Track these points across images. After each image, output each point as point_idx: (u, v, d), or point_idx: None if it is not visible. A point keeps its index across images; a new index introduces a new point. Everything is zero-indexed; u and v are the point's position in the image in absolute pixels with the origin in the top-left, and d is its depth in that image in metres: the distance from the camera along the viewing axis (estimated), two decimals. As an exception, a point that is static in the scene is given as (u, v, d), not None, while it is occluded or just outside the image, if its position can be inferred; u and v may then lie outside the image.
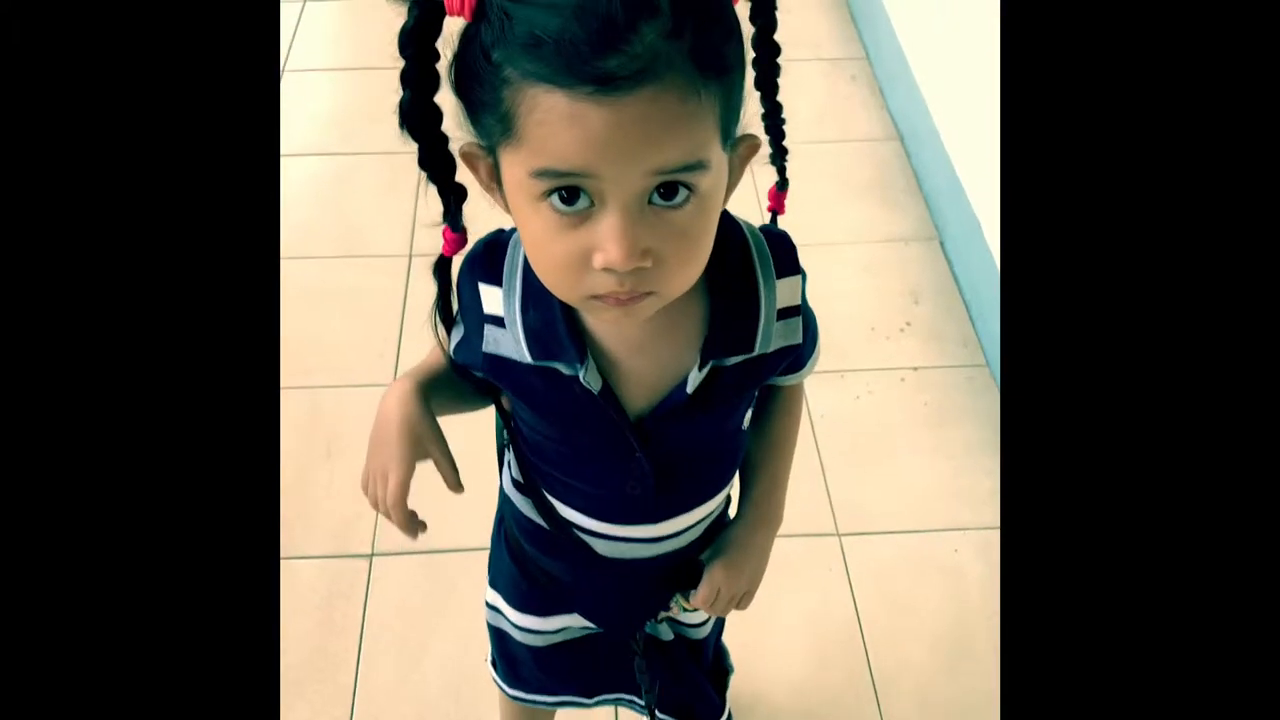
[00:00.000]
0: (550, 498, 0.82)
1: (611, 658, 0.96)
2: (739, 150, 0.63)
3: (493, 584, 0.97)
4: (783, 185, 0.78)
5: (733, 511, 0.89)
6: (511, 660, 1.00)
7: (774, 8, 0.66)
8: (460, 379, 0.78)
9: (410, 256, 1.92)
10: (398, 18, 0.58)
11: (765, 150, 0.74)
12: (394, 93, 0.61)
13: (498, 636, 0.99)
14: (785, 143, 0.75)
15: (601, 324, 0.69)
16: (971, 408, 1.69)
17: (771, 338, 0.72)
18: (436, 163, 0.64)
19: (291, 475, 1.59)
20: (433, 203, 0.68)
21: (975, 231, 1.82)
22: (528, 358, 0.70)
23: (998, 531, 1.37)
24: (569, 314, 0.68)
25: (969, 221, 1.84)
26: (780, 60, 0.69)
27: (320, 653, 1.38)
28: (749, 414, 0.81)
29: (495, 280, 0.71)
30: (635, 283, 0.59)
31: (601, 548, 0.82)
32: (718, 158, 0.59)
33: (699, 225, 0.60)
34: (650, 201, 0.57)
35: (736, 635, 1.38)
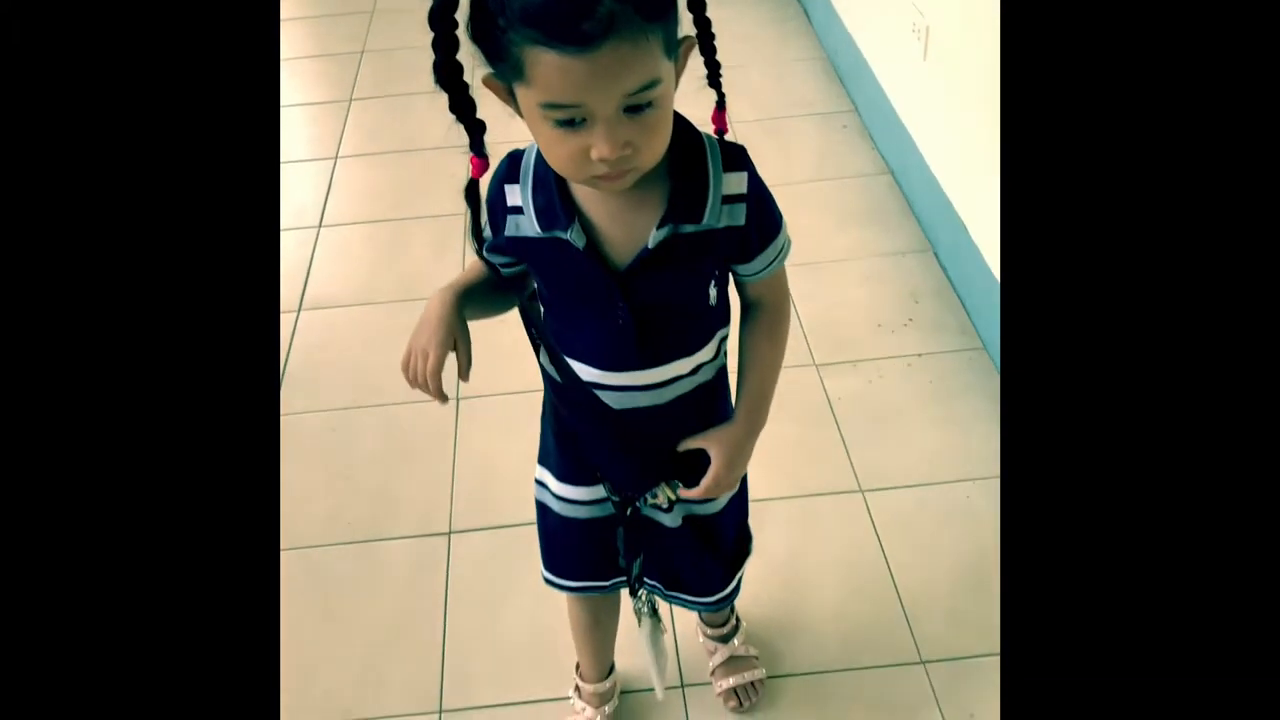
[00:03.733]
0: (566, 358, 1.03)
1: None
2: (681, 51, 0.87)
3: (541, 461, 1.18)
4: (721, 104, 1.00)
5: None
6: (549, 539, 1.21)
7: None
8: (488, 276, 1.02)
9: (463, 298, 2.17)
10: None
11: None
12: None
13: (541, 512, 1.20)
14: (718, 59, 0.96)
15: (588, 199, 0.94)
16: (972, 384, 1.89)
17: (719, 216, 0.94)
18: (462, 106, 0.89)
19: (380, 474, 1.81)
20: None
21: (964, 238, 2.04)
22: (538, 230, 0.95)
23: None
24: (563, 194, 0.93)
25: (958, 231, 2.07)
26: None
27: (411, 614, 1.57)
28: (714, 292, 1.01)
29: (515, 180, 0.96)
30: (621, 164, 0.84)
31: (609, 398, 1.03)
32: (666, 70, 0.83)
33: (661, 118, 0.84)
34: (625, 110, 0.81)
35: (776, 579, 1.56)
